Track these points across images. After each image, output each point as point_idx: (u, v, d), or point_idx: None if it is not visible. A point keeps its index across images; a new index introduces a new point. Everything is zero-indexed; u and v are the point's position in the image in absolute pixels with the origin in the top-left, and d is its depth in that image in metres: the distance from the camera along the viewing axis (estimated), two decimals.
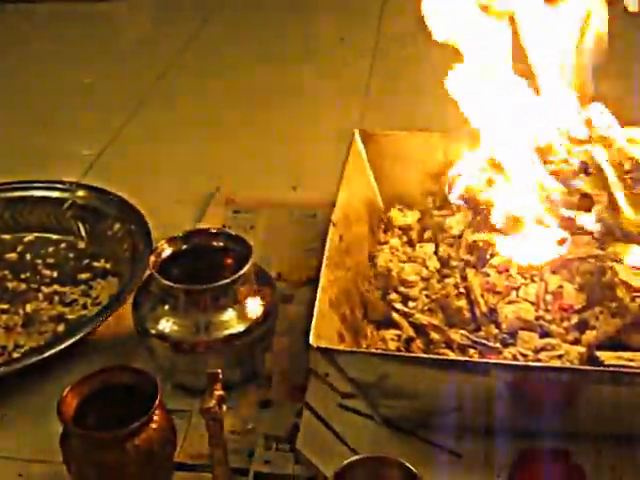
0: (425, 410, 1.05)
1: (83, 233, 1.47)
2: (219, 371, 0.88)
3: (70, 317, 1.30)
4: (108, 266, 1.42)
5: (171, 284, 1.11)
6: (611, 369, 0.99)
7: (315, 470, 1.03)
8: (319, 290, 1.01)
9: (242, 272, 1.11)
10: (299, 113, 1.90)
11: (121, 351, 1.23)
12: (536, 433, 1.04)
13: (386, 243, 1.28)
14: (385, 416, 1.06)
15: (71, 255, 1.45)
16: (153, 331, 1.13)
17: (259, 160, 1.73)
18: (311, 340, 0.93)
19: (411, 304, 1.15)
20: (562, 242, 1.06)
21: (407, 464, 0.94)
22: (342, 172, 1.24)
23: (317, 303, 0.99)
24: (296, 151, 1.75)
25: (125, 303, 1.22)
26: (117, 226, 1.43)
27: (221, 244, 1.19)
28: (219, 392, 0.88)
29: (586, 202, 1.05)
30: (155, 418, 0.98)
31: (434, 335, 1.10)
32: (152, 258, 1.15)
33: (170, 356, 1.13)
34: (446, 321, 1.12)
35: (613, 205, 1.07)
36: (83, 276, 1.40)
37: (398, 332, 1.12)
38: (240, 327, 1.12)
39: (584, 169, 1.09)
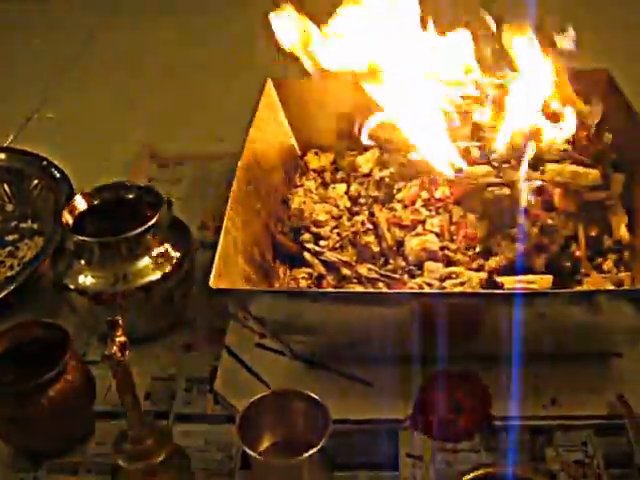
0: (336, 343, 1.08)
1: (9, 195, 1.48)
2: (119, 318, 0.90)
3: None
4: (35, 226, 1.43)
5: (84, 238, 1.13)
6: (508, 291, 1.02)
7: (233, 409, 1.06)
8: (221, 233, 1.03)
9: (153, 222, 1.13)
10: (225, 66, 1.90)
11: (45, 310, 1.24)
12: (443, 358, 1.07)
13: (301, 186, 1.30)
14: (298, 352, 1.09)
15: None
16: (72, 286, 1.15)
17: (186, 114, 1.74)
18: (210, 282, 0.96)
19: (322, 243, 1.17)
20: (459, 171, 1.08)
21: (313, 395, 0.98)
22: (250, 120, 1.26)
23: (219, 246, 1.01)
24: (223, 103, 1.75)
25: (45, 261, 1.23)
26: (41, 186, 1.44)
27: (132, 196, 1.20)
28: (121, 338, 0.90)
29: (478, 132, 1.07)
30: (69, 369, 1.01)
31: (344, 271, 1.13)
32: (65, 214, 1.16)
33: (91, 309, 1.15)
34: (356, 257, 1.15)
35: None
36: (10, 238, 1.41)
37: (309, 270, 1.14)
38: (157, 275, 1.14)
39: (481, 101, 1.11)
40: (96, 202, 1.20)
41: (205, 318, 1.23)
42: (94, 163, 1.60)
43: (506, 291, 1.02)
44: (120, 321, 0.90)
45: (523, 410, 1.04)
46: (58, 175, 1.43)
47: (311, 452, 0.92)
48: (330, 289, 1.08)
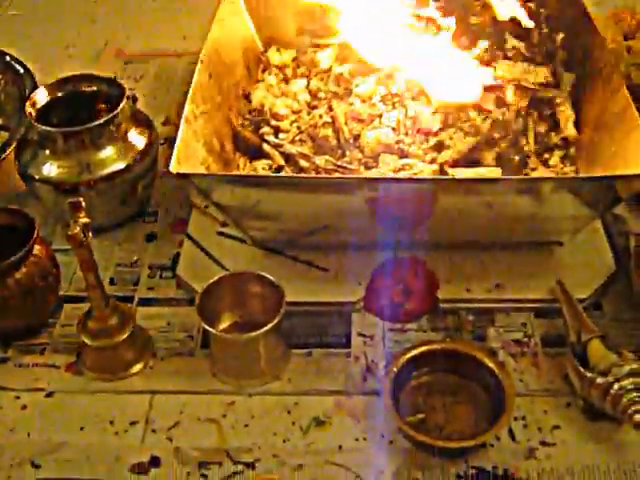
0: (294, 230, 1.12)
1: None
2: (81, 199, 0.93)
3: None
4: (0, 121, 1.44)
5: (48, 128, 1.15)
6: (457, 178, 1.07)
7: (195, 292, 1.11)
8: (182, 122, 1.05)
9: (116, 112, 1.16)
10: None
11: (11, 202, 1.26)
12: (395, 245, 1.13)
13: (263, 81, 1.32)
14: (257, 239, 1.14)
15: None
16: (37, 176, 1.18)
17: (150, 12, 1.74)
18: (171, 167, 0.99)
19: (282, 136, 1.21)
20: None
21: (269, 276, 1.03)
22: (213, 14, 1.27)
23: (180, 133, 1.04)
24: (187, 1, 1.76)
25: (10, 153, 1.26)
26: (4, 82, 1.45)
27: (96, 88, 1.22)
28: (83, 220, 0.93)
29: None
30: (35, 253, 1.05)
31: (302, 163, 1.16)
32: (28, 105, 1.18)
33: (55, 198, 1.18)
34: (315, 150, 1.18)
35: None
36: None
37: (269, 162, 1.18)
38: (120, 165, 1.17)
39: None
40: (60, 94, 1.22)
41: (168, 209, 1.27)
42: (59, 61, 1.61)
43: (453, 177, 1.07)
44: (82, 203, 0.93)
45: (468, 294, 1.10)
46: (22, 70, 1.44)
47: (266, 329, 0.97)
48: (287, 174, 1.12)
